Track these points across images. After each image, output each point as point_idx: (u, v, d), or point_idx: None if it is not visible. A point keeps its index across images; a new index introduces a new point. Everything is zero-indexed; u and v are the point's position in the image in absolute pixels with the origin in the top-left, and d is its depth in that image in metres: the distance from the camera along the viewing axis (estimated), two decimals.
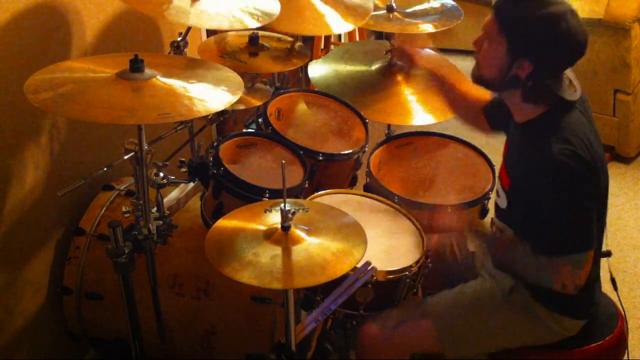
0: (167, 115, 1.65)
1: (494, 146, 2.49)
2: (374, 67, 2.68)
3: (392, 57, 2.64)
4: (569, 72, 1.82)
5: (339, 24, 2.44)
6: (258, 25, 2.08)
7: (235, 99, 1.78)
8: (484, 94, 2.18)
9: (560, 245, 1.76)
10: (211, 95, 1.78)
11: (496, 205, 1.99)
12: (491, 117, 2.09)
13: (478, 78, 1.87)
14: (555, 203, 1.74)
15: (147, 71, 1.76)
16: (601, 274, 1.98)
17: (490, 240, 1.94)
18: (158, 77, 1.77)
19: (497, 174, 2.19)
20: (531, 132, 1.82)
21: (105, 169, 1.90)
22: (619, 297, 2.03)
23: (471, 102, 2.20)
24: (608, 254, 1.98)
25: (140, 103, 1.70)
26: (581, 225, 1.75)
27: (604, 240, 1.91)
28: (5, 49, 2.02)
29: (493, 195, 2.12)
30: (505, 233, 1.92)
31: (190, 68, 1.93)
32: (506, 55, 1.76)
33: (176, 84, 1.78)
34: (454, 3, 2.74)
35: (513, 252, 1.86)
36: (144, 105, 1.70)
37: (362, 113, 2.52)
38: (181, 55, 2.16)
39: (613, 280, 2.04)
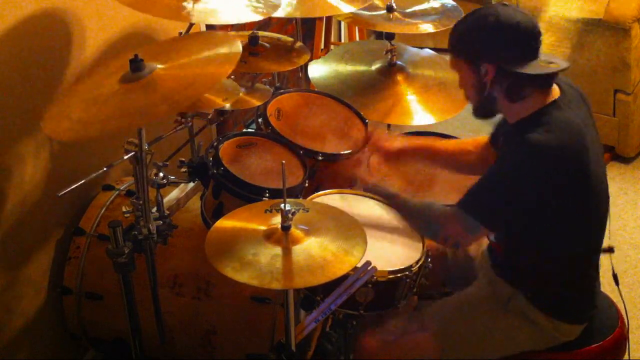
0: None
1: None
2: (374, 67, 2.67)
3: (392, 57, 2.64)
4: (549, 57, 1.83)
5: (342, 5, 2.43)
6: (261, 17, 2.06)
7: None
8: (478, 138, 2.18)
9: (470, 202, 1.82)
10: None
11: None
12: (498, 147, 2.07)
13: (477, 111, 1.90)
14: (496, 167, 1.81)
15: (147, 66, 1.74)
16: (602, 272, 1.97)
17: (390, 197, 2.06)
18: (158, 66, 1.75)
19: None
20: (520, 127, 1.81)
21: (105, 169, 1.90)
22: (620, 294, 2.02)
23: (473, 151, 2.18)
24: (610, 250, 1.97)
25: (150, 100, 1.68)
26: (500, 202, 1.78)
27: (607, 238, 1.90)
28: (5, 50, 2.02)
29: None
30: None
31: (183, 45, 1.95)
32: (471, 72, 1.82)
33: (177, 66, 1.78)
34: (454, 3, 2.74)
35: (410, 205, 1.99)
36: (154, 102, 1.67)
37: (362, 113, 2.52)
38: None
39: (615, 276, 2.02)
